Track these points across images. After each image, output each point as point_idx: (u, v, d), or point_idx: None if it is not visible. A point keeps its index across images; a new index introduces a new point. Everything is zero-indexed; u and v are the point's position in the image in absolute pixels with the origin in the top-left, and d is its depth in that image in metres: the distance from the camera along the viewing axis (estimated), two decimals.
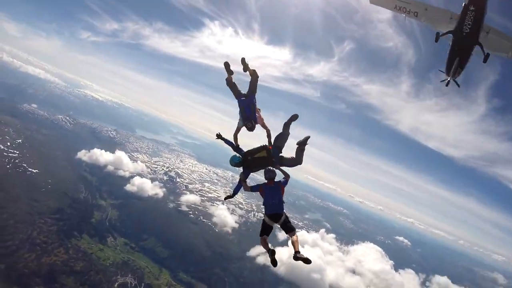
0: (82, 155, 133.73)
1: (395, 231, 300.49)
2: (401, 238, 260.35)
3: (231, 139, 11.27)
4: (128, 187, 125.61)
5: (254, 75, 11.13)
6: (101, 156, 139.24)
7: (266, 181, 10.79)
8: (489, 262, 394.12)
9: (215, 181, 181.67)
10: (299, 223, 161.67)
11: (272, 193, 10.43)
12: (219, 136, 11.27)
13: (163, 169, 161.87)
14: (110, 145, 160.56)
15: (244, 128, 11.15)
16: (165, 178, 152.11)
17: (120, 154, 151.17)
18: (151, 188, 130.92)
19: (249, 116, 10.81)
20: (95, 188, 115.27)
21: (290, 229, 10.12)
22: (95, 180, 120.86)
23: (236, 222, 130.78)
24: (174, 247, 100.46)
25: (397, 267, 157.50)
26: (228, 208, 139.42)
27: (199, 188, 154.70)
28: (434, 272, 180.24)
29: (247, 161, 10.71)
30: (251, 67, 11.11)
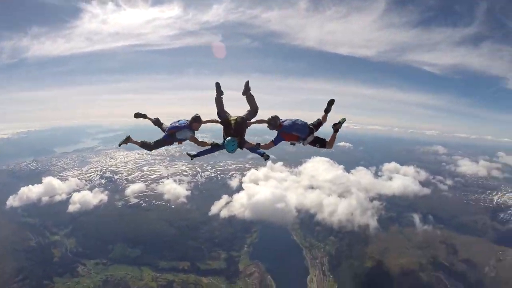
0: (12, 202, 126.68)
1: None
2: (342, 143, 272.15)
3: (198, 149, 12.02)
4: (71, 208, 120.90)
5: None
6: (30, 192, 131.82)
7: (277, 131, 11.24)
8: (425, 139, 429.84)
9: (152, 161, 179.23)
10: (246, 165, 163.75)
11: (292, 125, 11.21)
12: (192, 155, 12.01)
13: (97, 174, 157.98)
14: (35, 177, 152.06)
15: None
16: (103, 181, 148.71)
17: (48, 181, 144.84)
18: (93, 198, 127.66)
19: (185, 122, 11.09)
20: (41, 227, 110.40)
21: (319, 124, 11.86)
22: (37, 220, 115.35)
23: (187, 189, 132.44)
24: (142, 242, 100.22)
25: (347, 169, 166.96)
26: (175, 180, 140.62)
27: (140, 175, 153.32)
28: (382, 162, 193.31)
29: (235, 135, 10.82)
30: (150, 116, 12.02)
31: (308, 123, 11.59)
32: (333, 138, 11.81)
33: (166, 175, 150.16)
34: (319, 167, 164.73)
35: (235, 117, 11.15)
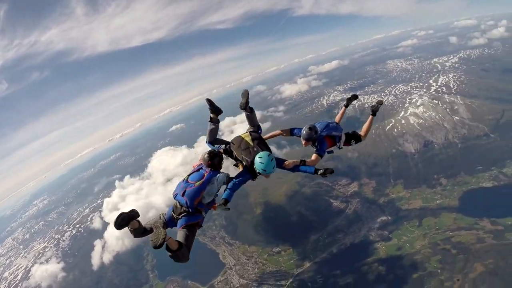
0: None
1: (166, 132, 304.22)
2: (173, 127, 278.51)
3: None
4: None
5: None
6: None
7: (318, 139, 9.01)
8: (244, 86, 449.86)
9: (7, 262, 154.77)
10: (98, 201, 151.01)
11: (328, 126, 9.42)
12: (226, 203, 7.76)
13: None
14: None
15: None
16: None
17: None
18: None
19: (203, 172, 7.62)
20: None
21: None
22: None
23: (58, 263, 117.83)
24: None
25: (190, 145, 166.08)
26: (42, 263, 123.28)
27: (5, 285, 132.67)
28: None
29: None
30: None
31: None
32: (370, 124, 10.79)
33: (30, 264, 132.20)
34: (164, 159, 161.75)
35: (246, 133, 8.95)
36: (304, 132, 8.81)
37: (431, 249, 70.82)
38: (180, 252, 6.57)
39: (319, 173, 8.10)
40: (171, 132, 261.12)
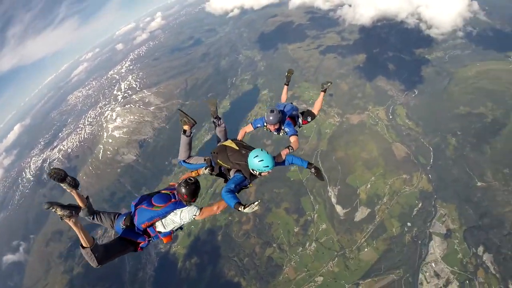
0: None
1: None
2: None
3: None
4: None
5: None
6: None
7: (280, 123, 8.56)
8: None
9: None
10: None
11: (286, 107, 9.14)
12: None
13: None
14: None
15: None
16: None
17: None
18: None
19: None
20: None
21: None
22: None
23: None
24: None
25: None
26: None
27: None
28: None
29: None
30: None
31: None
32: (321, 100, 10.21)
33: None
34: None
35: (228, 141, 7.41)
36: (271, 117, 8.41)
37: None
38: (88, 251, 5.37)
39: (312, 169, 7.27)
40: None
